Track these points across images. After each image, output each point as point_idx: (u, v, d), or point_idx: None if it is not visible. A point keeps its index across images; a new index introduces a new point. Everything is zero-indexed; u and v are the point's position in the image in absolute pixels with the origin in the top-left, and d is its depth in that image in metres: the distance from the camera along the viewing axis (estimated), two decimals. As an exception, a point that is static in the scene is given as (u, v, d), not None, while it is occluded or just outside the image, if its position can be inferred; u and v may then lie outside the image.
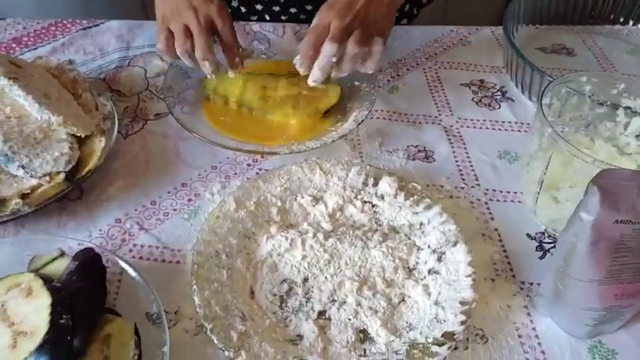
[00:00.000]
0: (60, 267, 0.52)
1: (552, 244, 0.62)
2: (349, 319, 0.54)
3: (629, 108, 0.63)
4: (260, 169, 0.68)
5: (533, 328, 0.55)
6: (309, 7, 0.89)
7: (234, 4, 0.93)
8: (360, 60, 0.66)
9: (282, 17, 0.92)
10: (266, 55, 0.84)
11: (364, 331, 0.53)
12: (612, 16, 0.93)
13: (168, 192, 0.66)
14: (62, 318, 0.47)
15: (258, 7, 0.92)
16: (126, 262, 0.54)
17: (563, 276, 0.51)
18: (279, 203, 0.62)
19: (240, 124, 0.73)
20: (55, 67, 0.73)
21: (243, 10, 0.94)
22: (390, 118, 0.77)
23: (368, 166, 0.65)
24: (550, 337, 0.55)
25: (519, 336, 0.55)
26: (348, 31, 0.63)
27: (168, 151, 0.71)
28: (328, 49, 0.63)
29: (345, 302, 0.55)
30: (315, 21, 0.65)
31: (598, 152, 0.64)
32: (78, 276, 0.51)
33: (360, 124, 0.71)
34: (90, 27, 0.88)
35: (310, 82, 0.67)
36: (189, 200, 0.65)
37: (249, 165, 0.69)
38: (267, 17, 0.92)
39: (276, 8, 0.90)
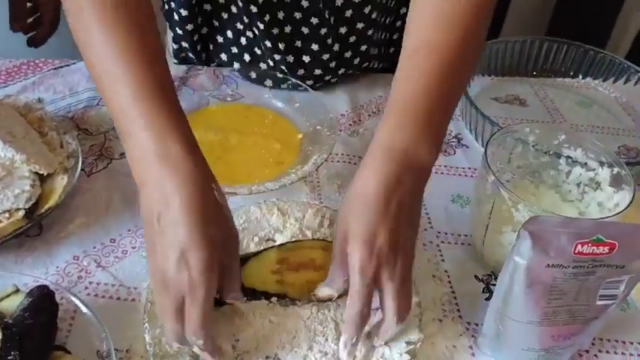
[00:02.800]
0: (14, 303, 0.53)
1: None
2: None
3: (570, 157, 0.67)
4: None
5: (477, 368, 0.57)
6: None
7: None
8: None
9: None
10: (232, 98, 0.87)
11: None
12: (563, 69, 0.99)
13: (129, 230, 0.67)
14: (10, 354, 0.47)
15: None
16: (79, 299, 0.55)
17: (502, 317, 0.53)
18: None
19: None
20: (23, 106, 0.74)
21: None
22: (350, 162, 0.80)
23: (324, 208, 0.68)
24: (493, 377, 0.57)
25: (463, 376, 0.56)
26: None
27: (131, 189, 0.70)
28: (393, 329, 0.53)
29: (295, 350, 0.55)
30: (356, 278, 0.50)
31: (542, 198, 0.67)
32: (30, 313, 0.51)
33: (319, 166, 0.74)
34: (61, 67, 0.90)
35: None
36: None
37: (209, 205, 0.71)
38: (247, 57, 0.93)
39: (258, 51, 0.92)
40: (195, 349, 0.50)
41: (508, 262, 0.50)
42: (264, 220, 0.66)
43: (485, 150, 0.61)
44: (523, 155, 0.68)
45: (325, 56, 0.88)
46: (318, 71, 0.90)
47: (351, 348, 0.52)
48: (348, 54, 0.90)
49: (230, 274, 0.53)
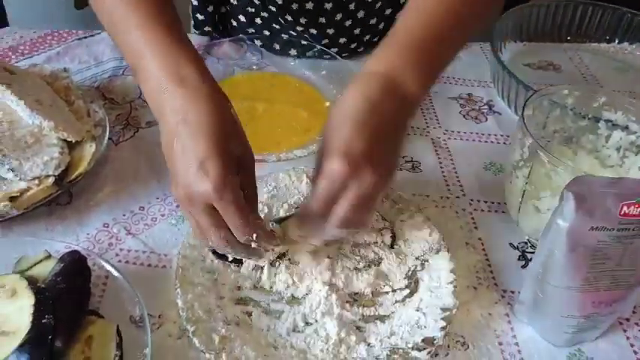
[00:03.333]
0: (46, 269, 0.53)
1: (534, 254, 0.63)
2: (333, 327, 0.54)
3: (610, 121, 0.64)
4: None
5: (514, 336, 0.56)
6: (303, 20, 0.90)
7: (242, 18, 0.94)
8: None
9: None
10: (258, 67, 0.86)
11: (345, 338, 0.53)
12: (598, 34, 0.95)
13: (157, 198, 0.67)
14: (44, 318, 0.47)
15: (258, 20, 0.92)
16: (111, 265, 0.55)
17: (542, 283, 0.52)
18: (266, 210, 0.63)
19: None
20: (49, 75, 0.74)
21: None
22: (379, 130, 0.78)
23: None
24: (530, 344, 0.55)
25: (499, 343, 0.55)
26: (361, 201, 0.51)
27: (158, 158, 0.70)
28: (332, 232, 0.52)
29: (330, 313, 0.55)
30: (324, 182, 0.50)
31: (580, 164, 0.65)
32: (62, 278, 0.51)
33: (347, 134, 0.72)
34: (85, 37, 0.90)
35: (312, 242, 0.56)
36: (178, 206, 0.66)
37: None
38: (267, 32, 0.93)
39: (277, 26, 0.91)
40: (253, 245, 0.52)
41: (549, 225, 0.48)
42: (293, 187, 0.65)
43: (522, 113, 0.59)
44: (560, 119, 0.66)
45: (348, 22, 0.85)
46: (342, 39, 0.87)
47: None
48: (373, 20, 0.88)
49: (248, 194, 0.52)
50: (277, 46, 0.87)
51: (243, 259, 0.57)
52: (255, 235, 0.50)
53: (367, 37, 0.89)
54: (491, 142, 0.78)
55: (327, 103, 0.80)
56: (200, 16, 0.91)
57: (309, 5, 0.83)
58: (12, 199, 0.59)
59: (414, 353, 0.51)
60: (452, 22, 0.56)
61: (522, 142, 0.59)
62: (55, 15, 1.10)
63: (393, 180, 0.53)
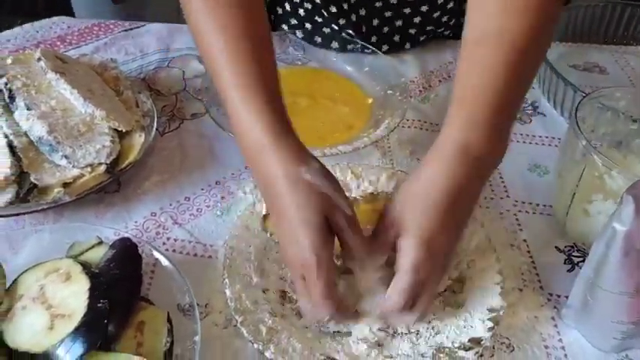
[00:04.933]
0: (97, 255, 0.54)
1: (581, 258, 0.62)
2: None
3: (663, 125, 0.63)
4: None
5: (560, 340, 0.55)
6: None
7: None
8: None
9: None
10: (301, 62, 0.86)
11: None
12: (646, 37, 0.93)
13: (202, 189, 0.68)
14: (99, 302, 0.48)
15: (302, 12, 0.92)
16: (161, 253, 0.56)
17: (592, 287, 0.51)
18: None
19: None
20: (99, 65, 0.75)
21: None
22: (421, 128, 0.78)
23: (399, 172, 0.66)
24: (576, 349, 0.55)
25: (546, 347, 0.55)
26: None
27: (203, 149, 0.72)
28: (409, 320, 0.53)
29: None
30: (410, 272, 0.49)
31: (631, 168, 0.64)
32: (115, 264, 0.52)
33: (391, 131, 0.72)
34: (131, 29, 0.91)
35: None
36: (222, 198, 0.66)
37: (281, 166, 0.71)
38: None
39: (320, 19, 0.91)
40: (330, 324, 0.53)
41: (605, 229, 0.48)
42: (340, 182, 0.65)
43: (575, 114, 0.58)
44: (611, 122, 0.65)
45: (388, 14, 0.85)
46: (385, 28, 0.87)
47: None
48: (417, 19, 0.87)
49: (347, 227, 0.51)
50: (319, 39, 0.87)
51: None
52: (328, 316, 0.51)
53: (412, 30, 0.88)
54: (536, 143, 0.77)
55: (370, 100, 0.80)
56: None
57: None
58: (65, 185, 0.61)
59: (461, 353, 0.51)
60: (522, 73, 0.53)
61: (574, 145, 0.58)
62: (98, 10, 1.12)
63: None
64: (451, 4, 0.87)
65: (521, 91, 0.55)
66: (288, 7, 0.89)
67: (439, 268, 0.51)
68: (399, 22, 0.87)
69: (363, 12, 0.85)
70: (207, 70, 0.57)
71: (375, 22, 0.86)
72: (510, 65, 0.51)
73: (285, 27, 0.91)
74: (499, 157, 0.54)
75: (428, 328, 0.54)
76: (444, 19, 0.89)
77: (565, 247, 0.63)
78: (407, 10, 0.86)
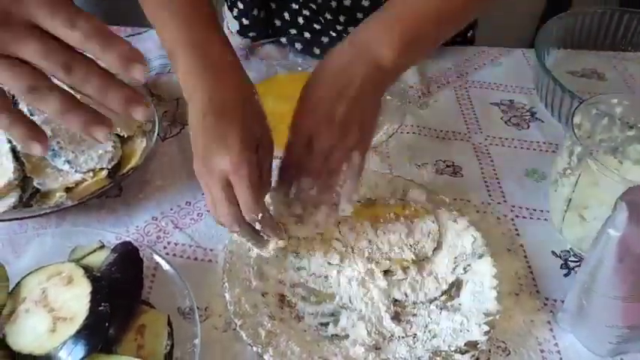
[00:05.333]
0: (99, 258, 0.55)
1: (577, 263, 0.63)
2: (375, 328, 0.55)
3: (659, 132, 0.64)
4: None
5: (556, 344, 0.56)
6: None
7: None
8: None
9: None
10: (301, 68, 0.87)
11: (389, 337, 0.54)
12: (644, 43, 0.94)
13: (203, 194, 0.66)
14: (101, 305, 0.49)
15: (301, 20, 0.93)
16: (162, 257, 0.56)
17: (588, 292, 0.52)
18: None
19: (275, 131, 0.75)
20: (101, 71, 0.76)
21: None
22: (420, 133, 0.79)
23: (397, 177, 0.67)
24: (572, 353, 0.55)
25: (541, 351, 0.55)
26: (327, 153, 0.55)
27: None
28: (303, 183, 0.56)
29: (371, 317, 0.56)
30: (290, 135, 0.56)
31: (627, 174, 0.64)
32: (117, 267, 0.53)
33: (390, 136, 0.73)
34: (133, 35, 0.92)
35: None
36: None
37: (281, 171, 0.71)
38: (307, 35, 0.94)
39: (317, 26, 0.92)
40: (257, 226, 0.53)
41: (600, 235, 0.48)
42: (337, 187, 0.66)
43: (572, 120, 0.59)
44: (607, 129, 0.65)
45: None
46: None
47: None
48: None
49: (263, 177, 0.54)
50: (317, 51, 0.88)
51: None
52: (260, 216, 0.52)
53: None
54: (534, 149, 0.78)
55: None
56: (245, 21, 0.93)
57: (347, 2, 0.84)
58: (67, 190, 0.61)
59: (457, 356, 0.51)
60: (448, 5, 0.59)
61: (570, 150, 0.59)
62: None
63: (365, 141, 0.57)
64: None
65: (438, 15, 0.59)
66: (287, 16, 0.90)
67: (333, 139, 0.54)
68: None
69: (360, 16, 0.86)
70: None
71: None
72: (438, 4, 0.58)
73: (283, 40, 0.92)
74: (391, 52, 0.56)
75: (425, 332, 0.54)
76: None
77: (561, 252, 0.64)
78: None
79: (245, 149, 0.51)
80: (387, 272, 0.58)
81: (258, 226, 0.53)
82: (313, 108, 0.55)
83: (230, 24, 0.96)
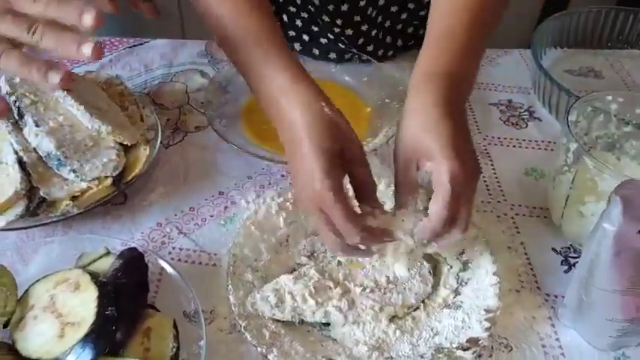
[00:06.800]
0: (105, 264, 0.56)
1: (578, 259, 0.63)
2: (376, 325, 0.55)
3: (655, 127, 0.64)
4: (293, 180, 0.72)
5: (557, 339, 0.57)
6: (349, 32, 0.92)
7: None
8: None
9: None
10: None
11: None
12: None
13: (206, 199, 0.69)
14: (107, 310, 0.50)
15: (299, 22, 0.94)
16: (166, 262, 0.57)
17: (587, 286, 0.52)
18: (311, 212, 0.65)
19: (276, 136, 0.76)
20: (104, 81, 0.78)
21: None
22: (419, 135, 0.80)
23: (397, 179, 0.68)
24: (573, 348, 0.56)
25: (543, 346, 0.56)
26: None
27: (207, 161, 0.74)
28: (456, 236, 0.53)
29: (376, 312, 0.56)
30: (445, 181, 0.50)
31: (624, 170, 0.65)
32: (122, 273, 0.54)
33: (389, 139, 0.74)
34: (136, 45, 0.94)
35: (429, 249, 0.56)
36: (226, 207, 0.68)
37: (282, 176, 0.72)
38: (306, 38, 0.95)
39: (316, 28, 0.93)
40: (362, 247, 0.53)
41: (596, 229, 0.49)
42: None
43: (567, 118, 0.60)
44: (604, 125, 0.66)
45: (380, 18, 0.87)
46: (380, 35, 0.89)
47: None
48: (404, 15, 0.89)
49: (363, 186, 0.55)
50: (316, 52, 0.89)
51: None
52: (358, 238, 0.51)
53: (398, 26, 0.90)
54: (532, 148, 0.78)
55: (368, 109, 0.82)
56: None
57: (345, 7, 0.85)
58: (73, 198, 0.63)
59: (459, 353, 0.52)
60: (483, 14, 0.59)
61: (567, 148, 0.60)
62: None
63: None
64: None
65: (484, 28, 0.59)
66: (285, 17, 0.91)
67: (470, 175, 0.51)
68: (387, 23, 0.89)
69: (358, 18, 0.87)
70: (220, 45, 0.63)
71: (373, 32, 0.88)
72: (470, 9, 0.58)
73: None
74: (471, 74, 0.58)
75: (427, 329, 0.55)
76: None
77: (561, 248, 0.65)
78: (394, 9, 0.88)
79: (327, 174, 0.50)
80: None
81: (362, 247, 0.53)
82: (457, 152, 0.51)
83: None
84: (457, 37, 0.57)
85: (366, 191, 0.55)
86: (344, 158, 0.53)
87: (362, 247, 0.53)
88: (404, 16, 0.89)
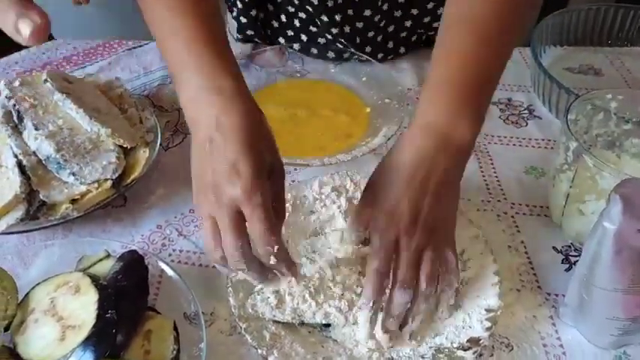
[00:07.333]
0: (106, 267, 0.56)
1: (578, 257, 0.63)
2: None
3: (655, 125, 0.64)
4: (293, 180, 0.72)
5: (558, 338, 0.56)
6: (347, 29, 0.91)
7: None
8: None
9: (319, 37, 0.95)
10: (300, 74, 0.88)
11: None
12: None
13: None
14: (108, 313, 0.50)
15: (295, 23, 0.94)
16: (167, 264, 0.57)
17: (587, 285, 0.52)
18: (311, 212, 0.65)
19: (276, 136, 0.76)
20: (104, 84, 0.78)
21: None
22: (419, 135, 0.80)
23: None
24: (575, 346, 0.56)
25: (544, 345, 0.56)
26: (419, 257, 0.51)
27: None
28: (400, 297, 0.51)
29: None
30: (376, 240, 0.51)
31: (624, 168, 0.65)
32: (123, 275, 0.54)
33: (389, 139, 0.74)
34: (135, 47, 0.94)
35: (384, 343, 0.53)
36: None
37: (282, 176, 0.72)
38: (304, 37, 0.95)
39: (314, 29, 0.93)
40: (272, 261, 0.49)
41: (596, 228, 0.49)
42: (341, 188, 0.67)
43: (566, 116, 0.60)
44: (603, 123, 0.66)
45: (383, 22, 0.87)
46: (379, 38, 0.89)
47: (369, 325, 0.52)
48: (408, 23, 0.89)
49: (276, 206, 0.51)
50: (315, 51, 0.89)
51: None
52: (276, 248, 0.48)
53: (403, 33, 0.90)
54: (532, 146, 0.78)
55: (368, 109, 0.82)
56: (243, 19, 0.94)
57: (342, 11, 0.85)
58: (73, 201, 0.63)
59: (460, 353, 0.52)
60: (490, 56, 0.55)
61: (566, 146, 0.59)
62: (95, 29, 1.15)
63: (451, 237, 0.54)
64: (441, 10, 0.89)
65: (489, 72, 0.56)
66: (283, 18, 0.91)
67: (411, 231, 0.50)
68: (390, 28, 0.89)
69: (351, 13, 0.87)
70: (161, 53, 0.58)
71: (370, 34, 0.88)
72: (473, 49, 0.54)
73: (282, 40, 0.94)
74: (469, 133, 0.53)
75: (427, 330, 0.55)
76: (435, 24, 0.90)
77: (562, 247, 0.65)
78: (398, 14, 0.87)
79: (257, 175, 0.47)
80: None
81: (272, 261, 0.49)
82: (395, 210, 0.51)
83: (231, 28, 0.97)
84: (458, 81, 0.54)
85: (276, 215, 0.51)
86: (268, 177, 0.50)
87: (272, 260, 0.49)
88: (408, 23, 0.89)
